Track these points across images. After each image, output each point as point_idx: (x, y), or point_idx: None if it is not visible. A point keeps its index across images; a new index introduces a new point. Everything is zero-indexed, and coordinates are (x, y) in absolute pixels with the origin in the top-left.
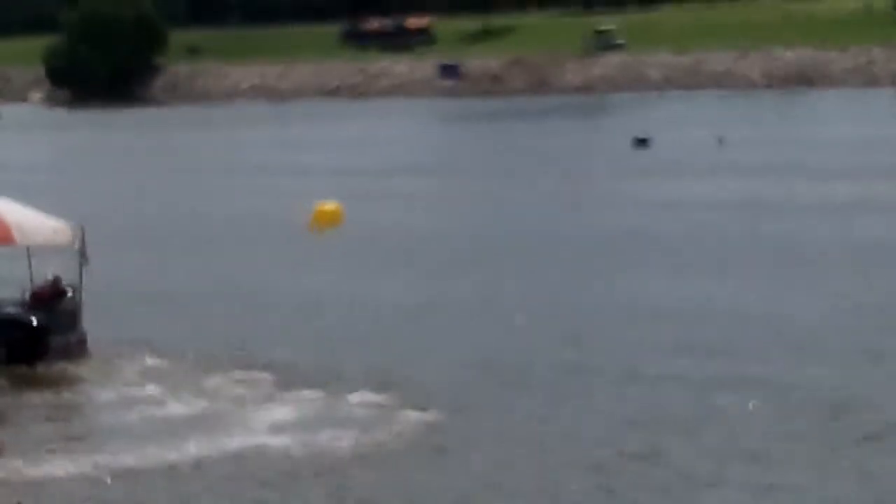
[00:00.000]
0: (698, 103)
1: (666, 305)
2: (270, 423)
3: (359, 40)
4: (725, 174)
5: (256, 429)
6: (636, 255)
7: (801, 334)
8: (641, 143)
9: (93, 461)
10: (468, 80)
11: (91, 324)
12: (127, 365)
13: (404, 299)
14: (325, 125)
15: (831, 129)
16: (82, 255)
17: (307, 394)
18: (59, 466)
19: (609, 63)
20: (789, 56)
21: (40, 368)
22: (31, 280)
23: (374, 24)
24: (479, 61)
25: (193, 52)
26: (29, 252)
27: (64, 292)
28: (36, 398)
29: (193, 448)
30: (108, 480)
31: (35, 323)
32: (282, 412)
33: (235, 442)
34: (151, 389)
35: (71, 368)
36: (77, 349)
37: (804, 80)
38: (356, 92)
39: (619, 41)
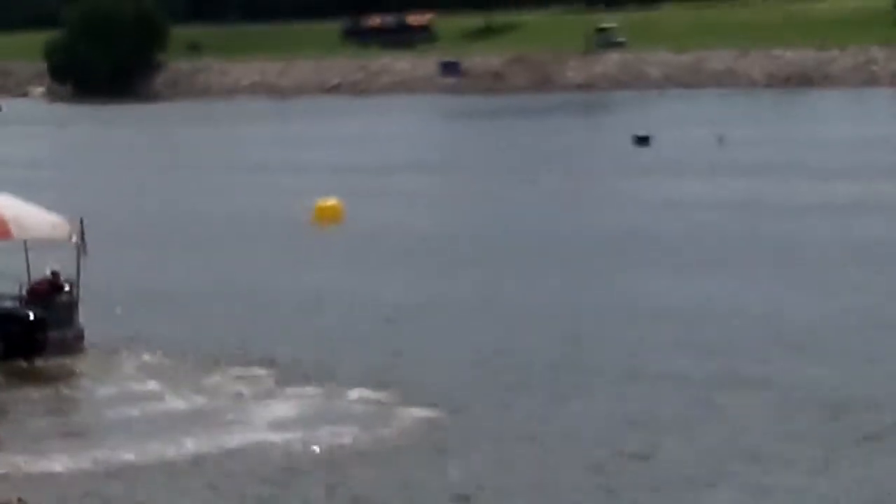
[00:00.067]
0: (699, 102)
1: (665, 304)
2: (270, 419)
3: (360, 37)
4: (725, 173)
5: (256, 425)
6: (636, 254)
7: (800, 334)
8: (642, 141)
9: (92, 457)
10: (469, 77)
11: (91, 320)
12: (127, 361)
13: (405, 297)
14: (325, 122)
15: (831, 129)
16: (82, 247)
17: (307, 391)
18: (58, 462)
19: (610, 61)
20: (790, 55)
21: (39, 363)
22: (29, 275)
23: (375, 20)
24: (480, 58)
25: (194, 48)
26: (26, 247)
27: (61, 287)
28: (36, 393)
29: (193, 444)
30: (108, 476)
31: (32, 318)
32: (281, 409)
33: (235, 438)
34: (151, 385)
35: (71, 364)
36: (74, 344)
37: (804, 79)
38: (357, 89)
39: (621, 39)
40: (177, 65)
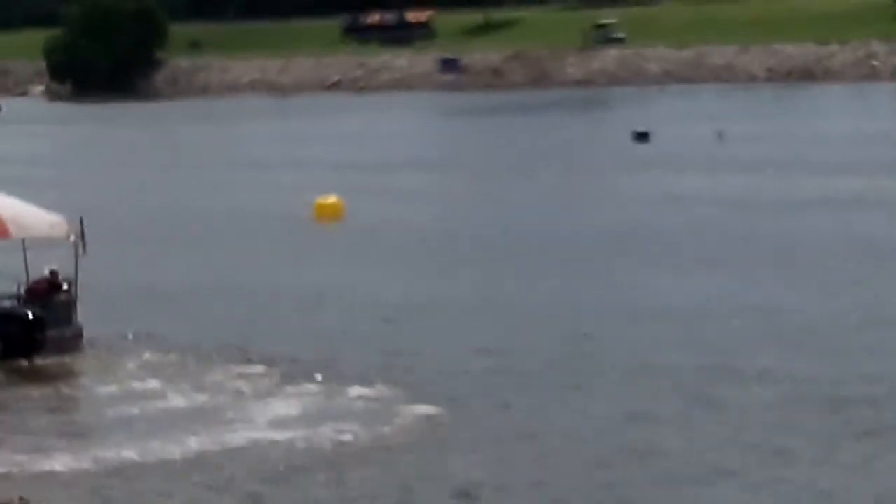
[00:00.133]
0: (699, 98)
1: (665, 300)
2: (271, 417)
3: (359, 34)
4: (725, 169)
5: (257, 423)
6: (635, 251)
7: (800, 330)
8: (641, 136)
9: (93, 455)
10: (469, 73)
11: (92, 318)
12: (128, 359)
13: (405, 294)
14: (325, 119)
15: (832, 124)
16: (81, 245)
17: (307, 388)
18: (59, 460)
19: (609, 57)
20: (790, 50)
21: (40, 362)
22: (27, 274)
23: (374, 18)
24: (479, 55)
25: (194, 45)
26: (24, 246)
27: (60, 286)
28: (36, 392)
29: (194, 442)
30: (109, 474)
31: (31, 317)
32: (282, 406)
33: (236, 436)
34: (152, 383)
35: (72, 363)
36: (73, 343)
37: (805, 74)
38: (357, 86)
39: (620, 35)
40: (177, 62)
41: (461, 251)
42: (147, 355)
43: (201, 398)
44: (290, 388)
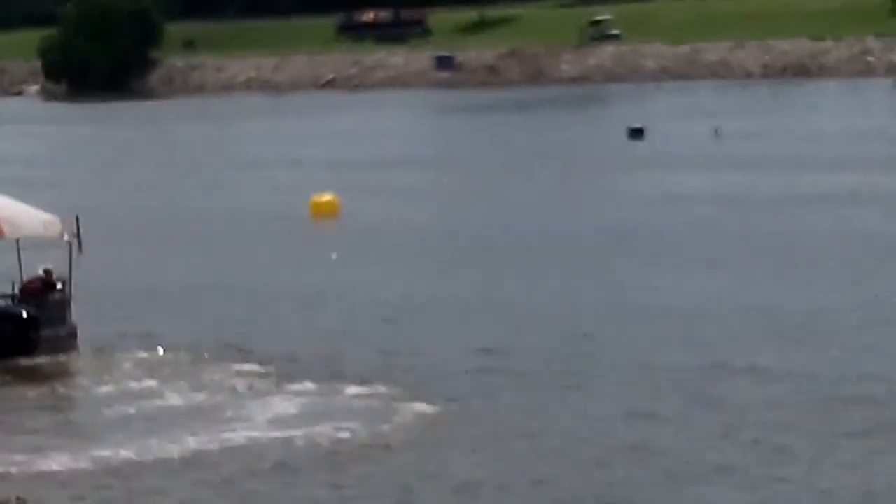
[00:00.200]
0: (694, 94)
1: (663, 298)
2: (269, 416)
3: (354, 32)
4: (721, 165)
5: (255, 422)
6: (632, 249)
7: (797, 327)
8: (636, 133)
9: (91, 454)
10: (464, 71)
11: (90, 317)
12: (125, 358)
13: (403, 292)
14: (321, 117)
15: (827, 120)
16: (77, 244)
17: (306, 387)
18: (56, 460)
19: (605, 54)
20: (786, 47)
21: (36, 362)
22: (21, 273)
23: (369, 15)
24: (474, 53)
25: (189, 45)
26: (18, 245)
27: (54, 286)
28: (32, 392)
29: (192, 441)
30: (106, 474)
31: (25, 316)
32: (281, 405)
33: (234, 435)
34: (150, 383)
35: (68, 362)
36: (67, 342)
37: (800, 70)
38: (352, 84)
39: (615, 32)
40: (172, 62)
41: (460, 250)
42: (144, 354)
43: (199, 397)
44: (288, 387)
